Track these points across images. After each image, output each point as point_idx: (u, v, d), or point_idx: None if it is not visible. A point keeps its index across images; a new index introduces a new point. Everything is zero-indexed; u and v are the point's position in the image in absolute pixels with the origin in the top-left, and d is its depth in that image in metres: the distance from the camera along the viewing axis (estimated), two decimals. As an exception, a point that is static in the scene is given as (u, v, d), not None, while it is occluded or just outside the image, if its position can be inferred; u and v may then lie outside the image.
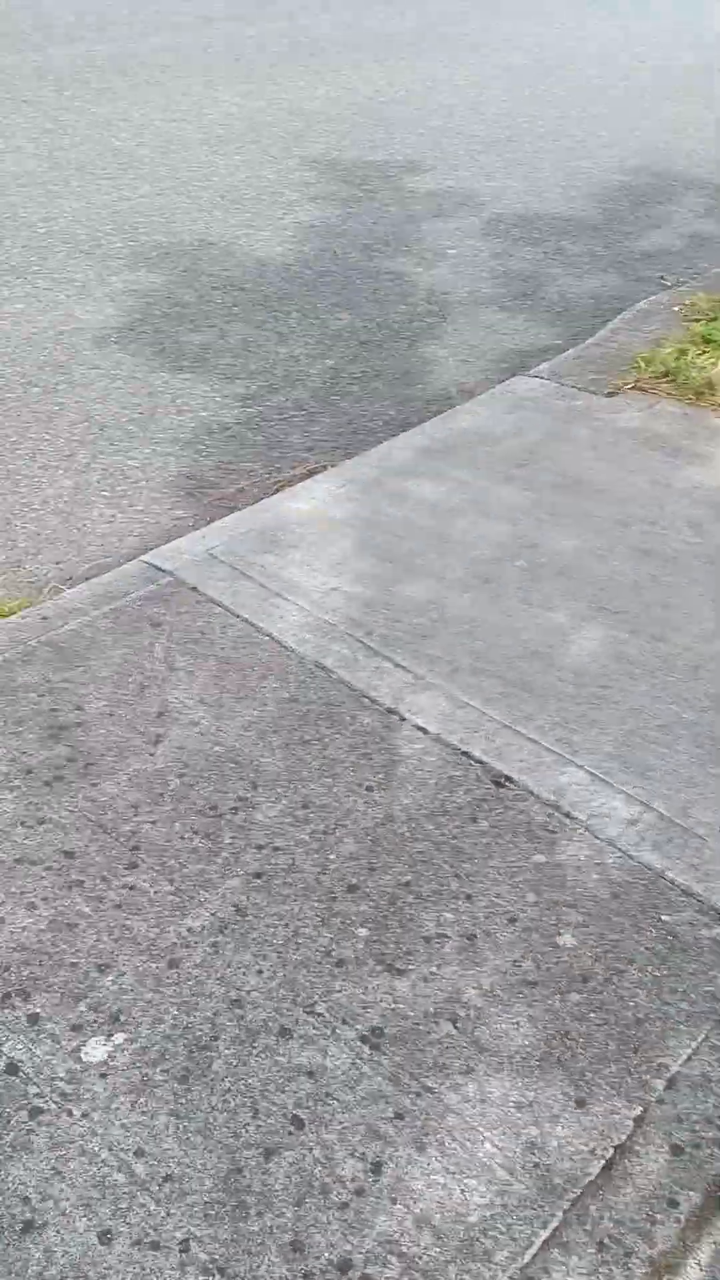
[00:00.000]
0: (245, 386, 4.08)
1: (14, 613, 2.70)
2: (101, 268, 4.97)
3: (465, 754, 2.29)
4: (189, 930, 1.90)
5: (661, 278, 5.15)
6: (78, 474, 3.51)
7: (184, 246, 5.23)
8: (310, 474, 3.37)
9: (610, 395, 3.78)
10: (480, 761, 2.27)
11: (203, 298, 4.74)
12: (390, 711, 2.39)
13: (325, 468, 3.39)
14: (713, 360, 3.91)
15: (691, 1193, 1.57)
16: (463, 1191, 1.55)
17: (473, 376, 4.20)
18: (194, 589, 2.73)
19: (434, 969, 1.86)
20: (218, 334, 4.45)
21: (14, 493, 3.40)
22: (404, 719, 2.37)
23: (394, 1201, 1.54)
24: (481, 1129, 1.63)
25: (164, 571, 2.79)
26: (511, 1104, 1.66)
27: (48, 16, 9.30)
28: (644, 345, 4.11)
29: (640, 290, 4.95)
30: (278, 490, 3.27)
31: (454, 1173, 1.57)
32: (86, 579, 2.86)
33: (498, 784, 2.23)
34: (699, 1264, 1.52)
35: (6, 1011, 1.75)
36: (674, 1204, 1.56)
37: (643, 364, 3.93)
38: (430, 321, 4.66)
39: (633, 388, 3.82)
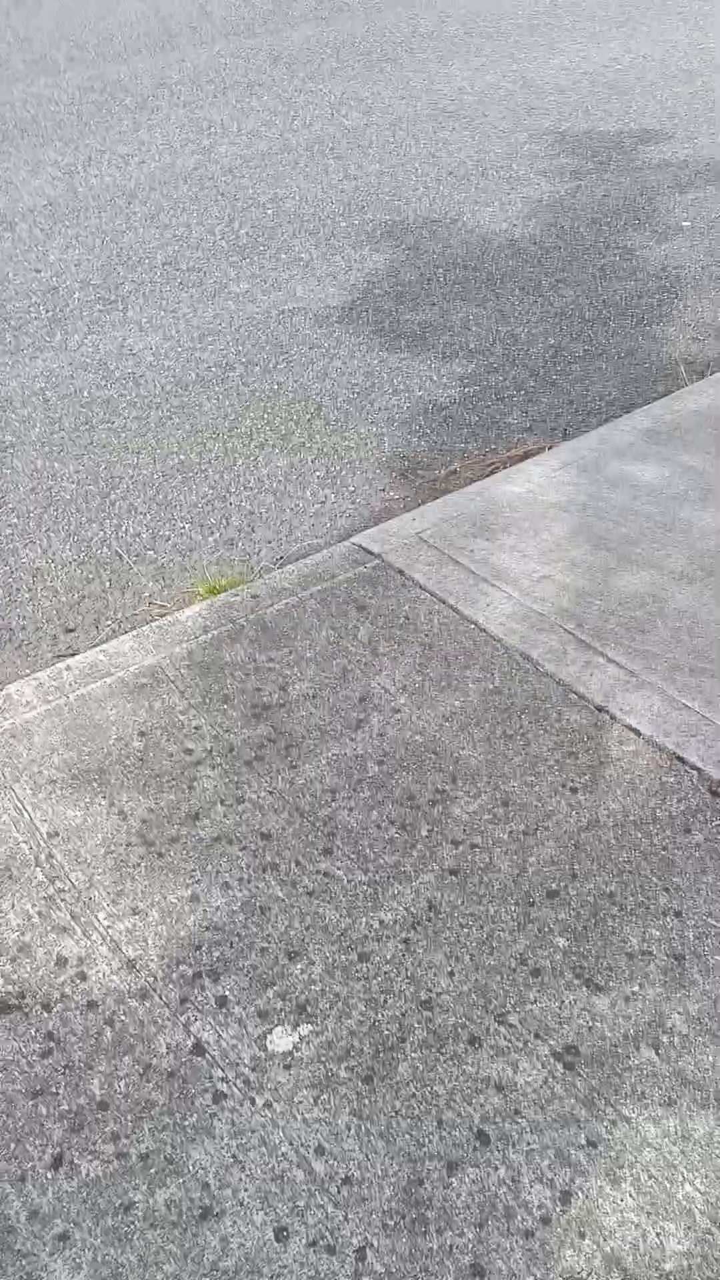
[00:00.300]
0: (463, 366, 3.99)
1: (225, 590, 2.72)
2: (326, 247, 4.98)
3: (680, 759, 2.15)
4: (381, 923, 1.85)
5: None
6: (293, 453, 3.52)
7: (409, 224, 5.18)
8: (526, 456, 3.26)
9: None
10: (696, 768, 2.13)
11: (425, 276, 4.68)
12: (600, 709, 2.27)
13: (543, 449, 3.27)
14: None
15: None
16: (658, 1235, 1.44)
17: (703, 356, 3.97)
18: (400, 572, 2.68)
19: (636, 988, 1.74)
20: (438, 313, 4.37)
21: (231, 470, 3.44)
22: (614, 718, 2.25)
23: (582, 1236, 1.44)
24: (682, 1169, 1.51)
25: (372, 554, 2.75)
26: (716, 1146, 1.54)
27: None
28: None
29: None
30: (492, 472, 3.18)
31: (649, 1213, 1.46)
32: (297, 559, 2.85)
33: (715, 793, 2.07)
34: None
35: (196, 991, 1.75)
36: None
37: None
38: (660, 298, 4.43)
39: None
